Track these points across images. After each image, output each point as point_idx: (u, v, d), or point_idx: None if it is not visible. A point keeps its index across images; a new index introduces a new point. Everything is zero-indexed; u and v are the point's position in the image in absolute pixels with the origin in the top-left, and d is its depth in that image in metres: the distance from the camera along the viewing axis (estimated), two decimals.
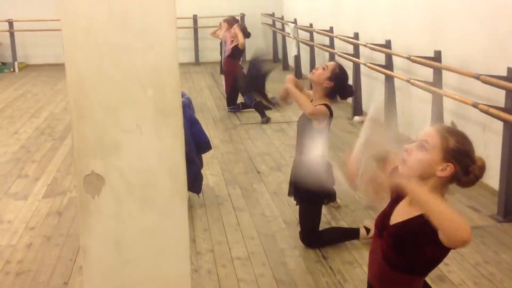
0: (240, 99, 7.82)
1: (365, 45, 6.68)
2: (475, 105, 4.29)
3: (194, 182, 4.39)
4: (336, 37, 7.96)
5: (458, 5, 5.15)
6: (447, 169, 1.83)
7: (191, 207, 4.36)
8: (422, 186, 1.76)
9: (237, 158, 5.71)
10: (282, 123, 7.06)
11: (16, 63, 11.92)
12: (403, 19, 6.28)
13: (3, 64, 12.02)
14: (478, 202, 4.38)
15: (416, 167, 1.85)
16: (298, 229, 4.01)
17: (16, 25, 12.00)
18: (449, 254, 3.65)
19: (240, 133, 6.72)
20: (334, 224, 4.05)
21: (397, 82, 6.12)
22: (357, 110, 7.26)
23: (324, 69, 3.55)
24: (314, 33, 9.21)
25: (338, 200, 4.22)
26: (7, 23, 11.93)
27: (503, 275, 3.31)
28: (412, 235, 1.83)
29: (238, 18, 12.17)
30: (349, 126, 6.98)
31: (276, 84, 9.98)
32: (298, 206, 3.79)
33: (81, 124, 2.39)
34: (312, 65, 9.39)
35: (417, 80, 5.27)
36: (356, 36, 7.26)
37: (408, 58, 5.44)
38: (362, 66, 7.05)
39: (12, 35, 12.00)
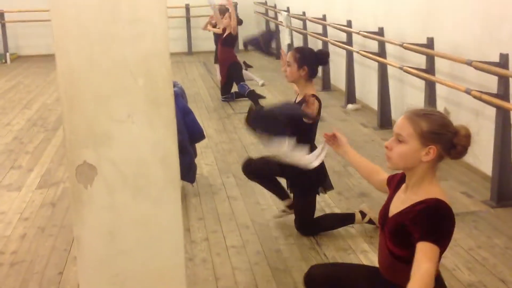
0: (234, 88, 7.81)
1: (358, 33, 6.67)
2: (467, 92, 4.30)
3: (188, 171, 4.38)
4: (329, 25, 7.94)
5: None
6: (431, 152, 1.85)
7: (185, 196, 4.36)
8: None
9: (231, 148, 5.70)
10: None
11: (7, 54, 11.84)
12: (396, 6, 6.27)
13: None
14: (471, 188, 4.41)
15: (401, 161, 1.87)
16: (292, 217, 4.02)
17: (7, 16, 11.90)
18: None
19: (234, 122, 6.71)
20: (328, 211, 4.06)
21: (390, 70, 6.12)
22: (351, 98, 7.26)
23: (289, 65, 3.55)
24: (307, 21, 9.18)
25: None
26: None
27: (496, 260, 3.34)
28: (407, 228, 1.84)
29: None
30: (343, 114, 6.99)
31: (269, 72, 9.97)
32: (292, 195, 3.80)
33: (72, 115, 2.38)
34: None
35: (410, 67, 5.27)
36: (349, 23, 7.25)
37: (401, 45, 5.44)
38: (355, 54, 7.04)
39: (3, 26, 11.91)
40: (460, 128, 1.89)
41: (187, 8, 12.34)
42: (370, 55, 6.22)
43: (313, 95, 3.49)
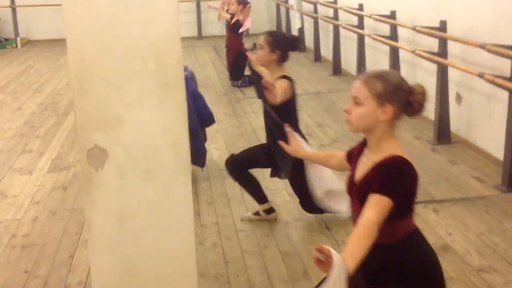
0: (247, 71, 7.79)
1: (369, 16, 6.60)
2: (480, 75, 4.25)
3: (198, 155, 4.39)
4: (340, 8, 7.87)
5: None
6: (387, 111, 1.88)
7: (195, 180, 4.37)
8: (349, 259, 1.68)
9: (241, 132, 5.70)
10: None
11: (18, 38, 11.86)
12: None
13: (6, 40, 11.96)
14: (483, 172, 4.38)
15: (360, 123, 1.92)
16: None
17: (17, 1, 11.90)
18: (453, 224, 3.66)
19: (244, 107, 6.69)
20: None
21: (401, 53, 6.06)
22: None
23: (261, 48, 3.48)
24: (318, 5, 9.11)
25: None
26: None
27: (507, 245, 3.32)
28: (371, 185, 1.86)
29: None
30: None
31: None
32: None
33: (83, 99, 2.38)
34: (316, 38, 9.31)
35: (422, 51, 5.22)
36: (361, 7, 7.17)
37: (413, 29, 5.38)
38: (366, 38, 6.98)
39: (14, 10, 11.91)
40: (415, 86, 1.93)
41: None
42: (382, 39, 6.17)
43: (284, 76, 3.45)
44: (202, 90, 5.61)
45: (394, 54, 6.11)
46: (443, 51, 5.04)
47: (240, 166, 3.66)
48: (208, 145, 4.90)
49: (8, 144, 5.51)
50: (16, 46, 11.80)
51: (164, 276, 2.56)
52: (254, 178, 3.72)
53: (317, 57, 9.30)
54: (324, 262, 1.61)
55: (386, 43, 6.15)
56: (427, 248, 1.99)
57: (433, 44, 5.21)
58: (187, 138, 2.51)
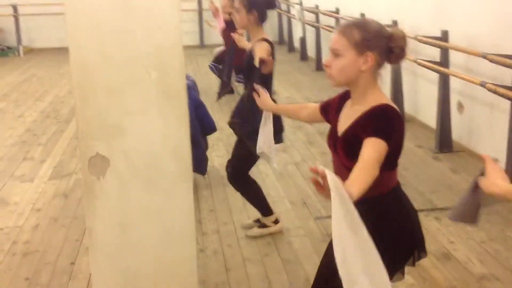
0: None
1: None
2: (482, 85, 4.25)
3: (200, 163, 4.39)
4: (342, 18, 7.89)
5: None
6: (368, 59, 1.84)
7: (196, 188, 4.37)
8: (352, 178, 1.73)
9: None
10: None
11: (20, 47, 11.91)
12: None
13: (8, 48, 12.01)
14: None
15: (341, 75, 1.87)
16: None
17: (20, 9, 11.96)
18: (455, 232, 3.66)
19: None
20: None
21: (403, 62, 6.07)
22: None
23: (237, 12, 3.43)
24: (320, 15, 9.14)
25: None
26: (11, 7, 11.89)
27: (509, 253, 3.31)
28: (358, 137, 1.84)
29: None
30: None
31: (281, 65, 9.95)
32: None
33: (85, 107, 2.39)
34: (318, 47, 9.33)
35: (424, 60, 5.23)
36: (362, 17, 7.20)
37: (415, 38, 5.39)
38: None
39: (16, 19, 11.97)
40: (394, 30, 1.89)
41: (199, 1, 12.32)
42: None
43: (264, 39, 3.41)
44: (203, 98, 5.61)
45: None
46: (444, 61, 5.06)
47: (242, 174, 3.59)
48: (210, 153, 4.90)
49: (10, 152, 5.52)
50: (19, 55, 11.84)
51: (165, 284, 2.56)
52: (260, 189, 3.65)
53: (319, 66, 9.32)
54: (322, 185, 1.59)
55: None
56: (407, 204, 2.00)
57: (434, 53, 5.22)
58: (188, 146, 2.52)
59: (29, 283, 3.18)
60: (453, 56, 5.05)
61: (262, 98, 2.56)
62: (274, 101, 3.09)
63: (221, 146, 5.50)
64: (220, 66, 7.71)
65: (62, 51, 10.35)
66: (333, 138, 1.99)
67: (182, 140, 2.49)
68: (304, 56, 10.21)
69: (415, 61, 5.34)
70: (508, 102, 4.13)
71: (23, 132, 6.22)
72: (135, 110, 2.41)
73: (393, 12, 6.48)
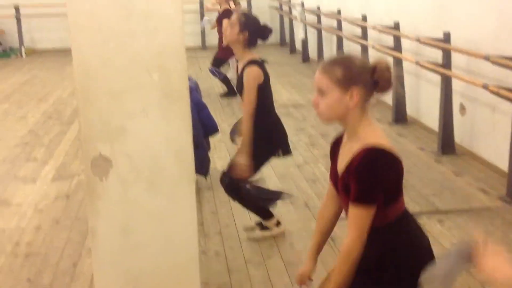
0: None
1: (373, 28, 6.62)
2: (485, 87, 4.25)
3: (202, 165, 4.39)
4: (344, 19, 7.89)
5: None
6: (354, 95, 1.82)
7: (198, 190, 4.37)
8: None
9: None
10: (289, 107, 7.03)
11: (23, 48, 11.93)
12: (411, 0, 6.21)
13: (10, 49, 12.02)
14: (487, 184, 4.36)
15: (329, 112, 1.86)
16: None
17: (22, 10, 11.97)
18: (458, 235, 3.64)
19: None
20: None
21: (405, 64, 6.07)
22: None
23: (231, 25, 3.43)
24: (322, 16, 9.14)
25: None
26: (13, 8, 11.90)
27: None
28: (349, 182, 1.83)
29: (246, 1, 12.09)
30: None
31: (283, 67, 9.92)
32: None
33: (88, 108, 2.39)
34: (320, 49, 9.33)
35: (426, 62, 5.23)
36: (364, 18, 7.20)
37: (417, 40, 5.39)
38: (370, 49, 6.99)
39: (18, 20, 11.98)
40: (377, 63, 1.85)
41: (201, 2, 12.33)
42: (386, 50, 6.18)
43: (252, 61, 3.39)
44: (206, 100, 5.62)
45: (398, 65, 6.10)
46: (447, 62, 5.05)
47: (238, 185, 3.52)
48: (212, 154, 4.90)
49: (12, 153, 5.52)
50: (21, 56, 11.85)
51: (167, 286, 2.56)
52: (251, 193, 3.58)
53: None
54: None
55: (390, 54, 6.15)
56: (416, 230, 1.96)
57: (437, 55, 5.22)
58: (191, 148, 2.52)
59: (31, 285, 3.18)
60: (455, 58, 5.05)
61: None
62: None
63: (223, 148, 5.49)
64: (221, 69, 7.72)
65: (64, 52, 10.38)
66: (334, 178, 1.98)
67: (184, 142, 2.49)
68: (305, 58, 10.21)
69: (417, 63, 5.33)
70: (511, 104, 4.12)
71: (26, 133, 6.22)
72: (137, 112, 2.41)
73: (394, 13, 6.48)
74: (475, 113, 4.96)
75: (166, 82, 2.41)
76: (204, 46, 12.44)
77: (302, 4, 10.11)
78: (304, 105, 7.11)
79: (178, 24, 2.39)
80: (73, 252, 3.52)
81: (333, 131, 6.17)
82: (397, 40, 6.15)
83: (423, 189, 4.21)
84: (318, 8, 9.32)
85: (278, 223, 3.65)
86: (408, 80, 6.15)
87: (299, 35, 10.26)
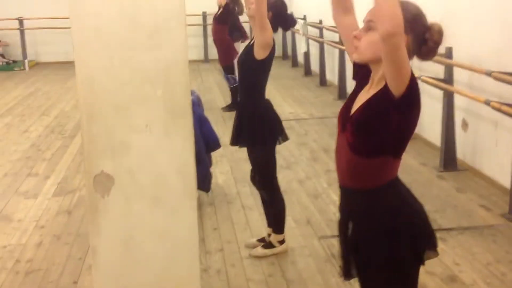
0: None
1: None
2: (487, 103, 4.25)
3: (204, 180, 4.38)
4: (325, 29, 7.90)
5: (469, 1, 5.10)
6: None
7: (200, 205, 4.35)
8: None
9: (246, 157, 5.62)
10: (291, 120, 7.03)
11: (26, 61, 11.97)
12: None
13: (14, 62, 12.07)
14: (490, 201, 4.34)
15: (369, 50, 1.76)
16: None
17: (26, 23, 12.04)
18: (460, 253, 3.62)
19: None
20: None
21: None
22: None
23: (260, 1, 3.21)
24: (324, 30, 9.17)
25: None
26: (17, 21, 11.97)
27: None
28: (371, 112, 1.76)
29: None
30: None
31: (285, 80, 9.93)
32: (278, 189, 3.63)
33: (91, 124, 2.39)
34: (322, 62, 9.35)
35: (428, 77, 5.23)
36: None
37: None
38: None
39: (22, 33, 12.04)
40: (434, 23, 1.79)
41: (204, 16, 12.38)
42: None
43: None
44: (207, 113, 5.62)
45: None
46: (449, 78, 5.05)
47: (270, 180, 3.52)
48: (213, 169, 4.89)
49: (14, 167, 5.52)
50: (24, 69, 11.89)
51: None
52: (284, 203, 3.62)
53: (323, 82, 9.33)
54: None
55: None
56: (410, 197, 1.88)
57: (439, 70, 5.22)
58: (193, 164, 2.51)
59: None
60: (458, 73, 5.05)
61: None
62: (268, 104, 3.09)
63: (225, 163, 5.48)
64: (235, 76, 7.72)
65: (67, 65, 10.42)
66: (344, 116, 1.89)
67: (187, 158, 2.48)
68: (308, 71, 10.23)
69: (419, 78, 5.33)
70: None
71: (28, 147, 6.22)
72: (140, 127, 2.41)
73: None
74: (478, 129, 4.96)
75: (169, 97, 2.42)
76: (206, 59, 12.49)
77: (305, 18, 10.15)
78: (306, 119, 7.11)
79: (182, 39, 2.40)
80: (74, 268, 3.50)
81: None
82: None
83: (425, 205, 4.17)
84: (320, 21, 9.35)
85: (282, 241, 3.63)
86: None
87: (301, 49, 10.29)
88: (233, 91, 7.71)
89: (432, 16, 1.71)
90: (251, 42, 3.42)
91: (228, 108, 7.78)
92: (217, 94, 9.00)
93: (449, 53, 5.10)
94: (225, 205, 4.45)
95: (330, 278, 3.32)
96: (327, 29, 8.83)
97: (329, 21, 8.97)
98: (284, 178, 5.00)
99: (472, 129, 5.04)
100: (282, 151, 5.84)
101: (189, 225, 2.52)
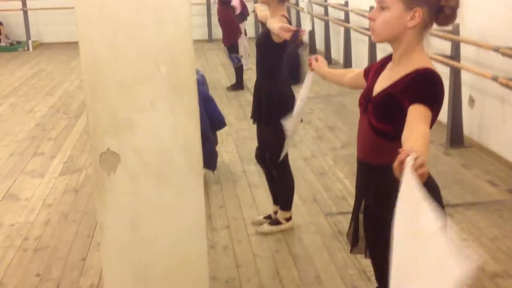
0: None
1: None
2: (494, 79, 4.21)
3: (209, 159, 4.38)
4: (351, 11, 7.84)
5: None
6: (416, 15, 1.73)
7: (206, 184, 4.37)
8: (417, 147, 1.56)
9: (252, 135, 5.66)
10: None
11: (30, 41, 11.94)
12: None
13: (18, 42, 12.05)
14: (496, 177, 4.33)
15: (385, 30, 1.76)
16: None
17: (29, 4, 11.98)
18: (467, 229, 3.62)
19: None
20: (349, 199, 4.02)
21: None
22: None
23: None
24: (329, 8, 9.09)
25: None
26: (20, 2, 11.91)
27: None
28: (392, 102, 1.76)
29: None
30: None
31: None
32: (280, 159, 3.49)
33: (96, 102, 2.38)
34: (327, 41, 9.29)
35: (435, 54, 5.18)
36: (372, 9, 7.14)
37: None
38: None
39: (25, 13, 11.98)
40: None
41: None
42: None
43: (283, 15, 3.41)
44: (212, 93, 5.61)
45: None
46: (456, 54, 5.01)
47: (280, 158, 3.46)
48: (219, 148, 4.90)
49: (20, 147, 5.54)
50: (28, 49, 11.87)
51: (176, 280, 2.55)
52: (293, 182, 3.61)
53: (328, 60, 9.20)
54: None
55: None
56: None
57: (445, 47, 5.17)
58: (199, 142, 2.51)
59: (40, 279, 3.19)
60: (464, 49, 5.01)
61: (320, 61, 2.42)
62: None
63: (230, 141, 5.49)
64: (239, 55, 7.68)
65: (71, 45, 10.40)
66: (366, 97, 1.89)
67: (192, 135, 2.48)
68: (313, 50, 10.17)
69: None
70: None
71: (33, 127, 6.24)
72: (145, 105, 2.40)
73: None
74: (484, 105, 4.93)
75: (174, 75, 2.40)
76: (210, 39, 12.42)
77: None
78: (311, 98, 7.08)
79: (186, 17, 2.38)
80: (81, 246, 3.53)
81: (341, 124, 6.15)
82: None
83: None
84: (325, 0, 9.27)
85: (289, 218, 3.64)
86: None
87: (306, 27, 10.20)
88: (238, 71, 7.68)
89: None
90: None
91: (233, 87, 7.76)
92: (221, 73, 8.97)
93: (455, 29, 5.05)
94: (231, 183, 4.46)
95: (337, 254, 3.33)
96: (332, 7, 8.76)
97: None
98: (290, 156, 4.98)
99: (479, 105, 5.01)
100: None
101: (196, 201, 2.52)
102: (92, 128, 2.42)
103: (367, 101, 1.88)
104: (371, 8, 7.14)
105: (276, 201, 3.70)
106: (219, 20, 7.97)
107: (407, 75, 1.74)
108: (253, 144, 5.36)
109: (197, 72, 4.47)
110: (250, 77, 8.28)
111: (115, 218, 2.49)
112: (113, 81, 2.37)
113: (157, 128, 2.43)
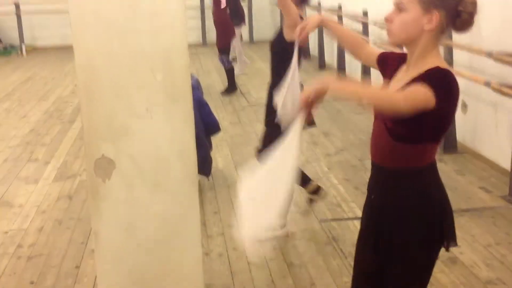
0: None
1: (374, 23, 6.60)
2: (487, 84, 4.23)
3: (204, 164, 4.37)
4: (345, 15, 7.86)
5: None
6: (433, 19, 1.73)
7: (200, 190, 4.36)
8: (342, 82, 1.65)
9: (246, 140, 5.68)
10: None
11: (23, 46, 11.90)
12: None
13: (11, 47, 12.00)
14: (489, 183, 4.35)
15: (402, 31, 1.77)
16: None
17: (23, 7, 11.94)
18: (460, 235, 3.63)
19: (249, 114, 6.69)
20: (344, 206, 4.03)
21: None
22: None
23: None
24: (323, 12, 9.11)
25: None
26: (13, 5, 11.87)
27: None
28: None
29: None
30: (360, 106, 6.92)
31: None
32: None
33: (91, 108, 2.38)
34: (321, 45, 9.31)
35: None
36: (365, 13, 7.17)
37: None
38: (371, 45, 6.97)
39: (19, 17, 11.95)
40: None
41: None
42: (387, 46, 6.15)
43: (301, 17, 3.48)
44: (206, 97, 5.60)
45: None
46: (449, 59, 5.03)
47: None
48: (213, 153, 4.89)
49: (14, 153, 5.52)
50: (22, 53, 11.83)
51: (171, 287, 2.55)
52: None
53: (322, 64, 9.30)
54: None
55: (392, 51, 6.13)
56: (441, 181, 1.89)
57: None
58: (194, 148, 2.51)
59: (34, 287, 3.17)
60: (457, 54, 5.03)
61: (312, 24, 2.28)
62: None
63: (224, 147, 5.48)
64: (231, 58, 7.69)
65: (65, 50, 10.36)
66: None
67: (187, 142, 2.48)
68: (306, 55, 10.18)
69: None
70: None
71: (27, 132, 6.21)
72: (141, 112, 2.40)
73: None
74: (478, 111, 4.95)
75: (169, 82, 2.40)
76: (205, 43, 12.41)
77: None
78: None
79: (182, 24, 2.38)
80: (76, 253, 3.52)
81: (336, 130, 6.14)
82: None
83: None
84: (319, 3, 9.29)
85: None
86: None
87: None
88: (229, 73, 7.70)
89: None
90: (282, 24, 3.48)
91: (226, 91, 7.76)
92: (216, 78, 8.97)
93: (448, 34, 5.07)
94: (225, 189, 4.45)
95: (331, 261, 3.33)
96: (326, 10, 8.78)
97: (327, 2, 8.92)
98: None
99: (472, 111, 5.03)
100: None
101: (190, 209, 2.52)
102: (87, 134, 2.41)
103: None
104: (364, 12, 7.18)
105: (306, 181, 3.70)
106: (215, 21, 7.98)
107: (420, 75, 1.73)
108: (247, 149, 5.37)
109: (192, 76, 4.46)
110: (245, 82, 8.32)
111: (109, 225, 2.48)
112: (108, 87, 2.36)
113: (152, 135, 2.43)
